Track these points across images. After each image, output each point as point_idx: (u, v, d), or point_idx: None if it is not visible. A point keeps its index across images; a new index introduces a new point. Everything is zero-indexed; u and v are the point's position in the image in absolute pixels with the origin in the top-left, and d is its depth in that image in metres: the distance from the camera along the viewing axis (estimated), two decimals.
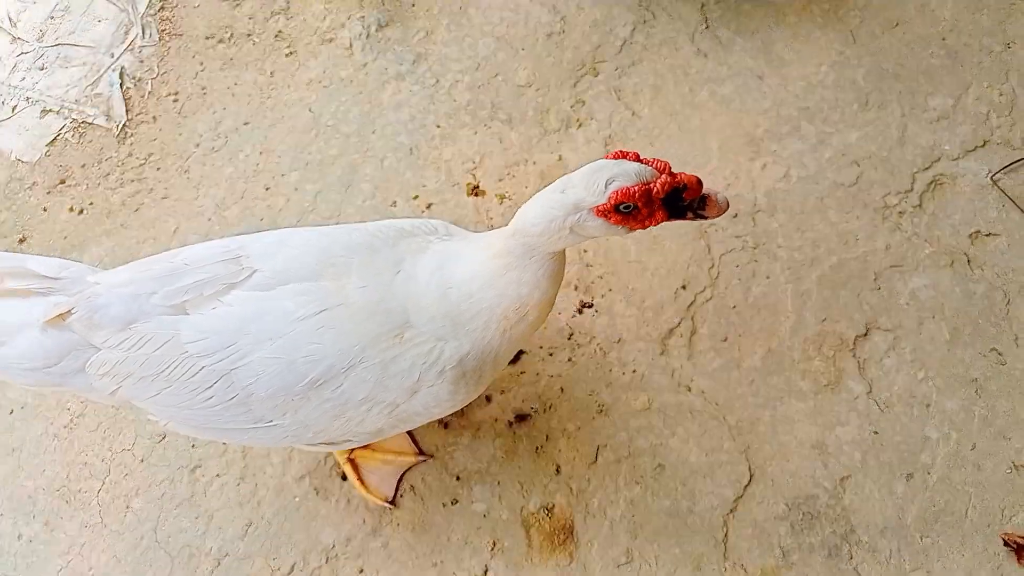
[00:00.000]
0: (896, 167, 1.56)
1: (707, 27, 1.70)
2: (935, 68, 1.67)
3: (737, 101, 1.63)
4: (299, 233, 1.03)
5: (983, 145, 1.58)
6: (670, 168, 0.86)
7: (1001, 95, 1.64)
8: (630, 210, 0.85)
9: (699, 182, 0.86)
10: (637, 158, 0.88)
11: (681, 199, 0.86)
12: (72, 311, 0.94)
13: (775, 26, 1.71)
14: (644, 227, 0.88)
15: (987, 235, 1.49)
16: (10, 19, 1.77)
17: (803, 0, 1.73)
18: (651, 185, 0.84)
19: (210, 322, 0.93)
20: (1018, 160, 1.55)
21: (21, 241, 1.55)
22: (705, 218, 0.90)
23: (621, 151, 0.89)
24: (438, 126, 1.62)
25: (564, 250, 0.96)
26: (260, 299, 0.94)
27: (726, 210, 0.90)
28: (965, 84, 1.66)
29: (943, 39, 1.71)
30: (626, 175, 0.84)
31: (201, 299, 0.94)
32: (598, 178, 0.85)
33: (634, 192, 0.83)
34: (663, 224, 0.90)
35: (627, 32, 1.68)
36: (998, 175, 1.55)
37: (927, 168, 1.56)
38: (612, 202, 0.84)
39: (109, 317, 0.94)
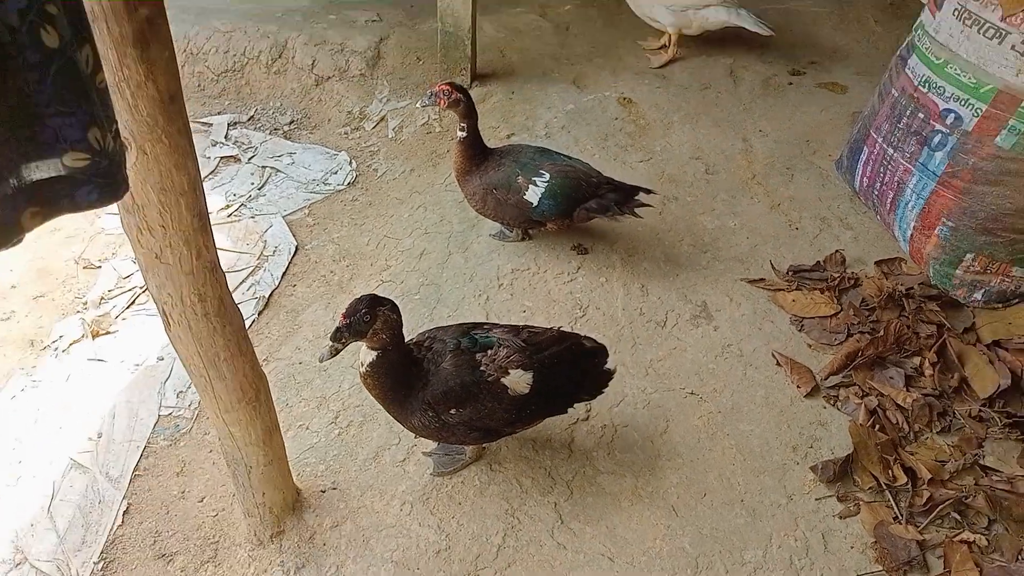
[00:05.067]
0: None
1: (562, 522, 2.14)
2: (741, 527, 2.13)
3: None
4: None
5: None
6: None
7: (796, 541, 2.10)
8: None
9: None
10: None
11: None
12: None
13: (614, 512, 2.17)
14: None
15: None
16: None
17: (631, 486, 2.23)
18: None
19: None
20: None
21: None
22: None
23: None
24: None
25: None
26: None
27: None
28: (767, 536, 2.11)
29: (742, 500, 2.20)
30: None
31: None
32: None
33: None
34: None
35: (500, 539, 2.10)
36: None
37: None
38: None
39: None
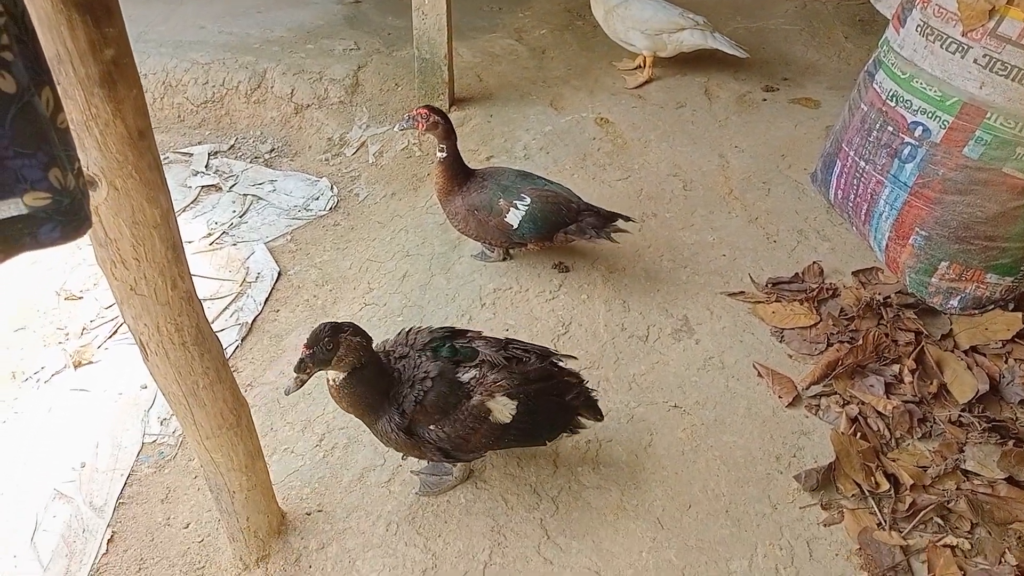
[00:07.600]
0: None
1: (548, 538, 2.14)
2: (727, 537, 2.15)
3: None
4: None
5: None
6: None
7: (781, 550, 2.11)
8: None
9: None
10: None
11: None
12: None
13: (600, 526, 2.18)
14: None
15: None
16: None
17: (617, 500, 2.24)
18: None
19: None
20: None
21: None
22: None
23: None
24: None
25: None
26: None
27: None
28: (753, 545, 2.12)
29: (727, 511, 2.22)
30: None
31: None
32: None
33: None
34: None
35: (486, 556, 2.10)
36: None
37: None
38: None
39: None
